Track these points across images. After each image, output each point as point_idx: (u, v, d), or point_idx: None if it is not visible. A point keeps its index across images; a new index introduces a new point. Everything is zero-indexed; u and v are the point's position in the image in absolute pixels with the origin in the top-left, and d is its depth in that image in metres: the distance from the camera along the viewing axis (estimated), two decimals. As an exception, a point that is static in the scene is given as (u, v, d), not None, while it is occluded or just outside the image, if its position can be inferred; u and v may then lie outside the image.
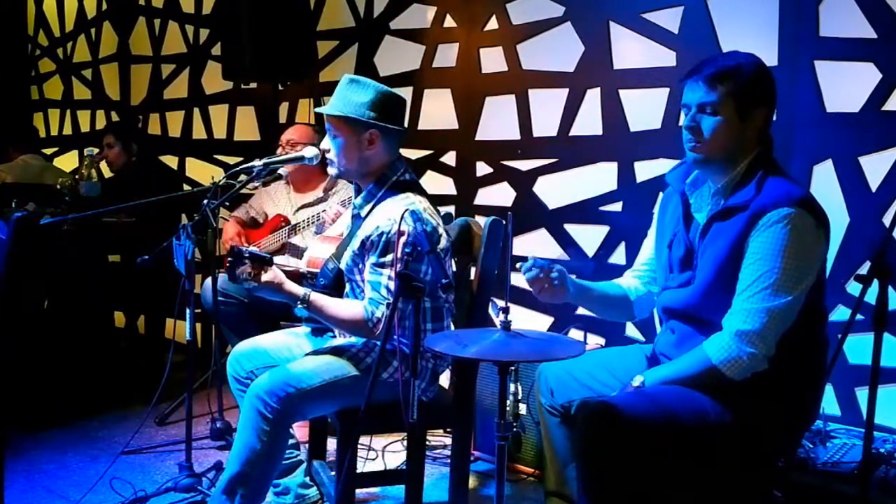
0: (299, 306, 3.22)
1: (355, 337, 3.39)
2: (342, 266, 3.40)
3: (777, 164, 2.83)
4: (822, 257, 2.73)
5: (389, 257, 3.16)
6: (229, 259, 3.11)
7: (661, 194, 3.20)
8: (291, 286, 3.21)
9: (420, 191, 3.42)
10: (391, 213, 3.20)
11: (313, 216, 4.80)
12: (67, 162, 8.42)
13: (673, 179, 3.03)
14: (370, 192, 3.39)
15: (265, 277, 3.14)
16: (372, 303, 3.20)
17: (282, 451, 3.34)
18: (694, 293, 2.81)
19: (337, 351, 3.36)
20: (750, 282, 2.64)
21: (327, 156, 3.41)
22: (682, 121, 2.83)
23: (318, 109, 3.42)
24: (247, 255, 3.11)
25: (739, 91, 2.70)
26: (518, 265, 2.91)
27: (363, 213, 3.39)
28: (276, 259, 3.32)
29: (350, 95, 3.30)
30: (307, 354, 3.43)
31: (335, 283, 3.45)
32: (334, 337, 3.56)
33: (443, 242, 3.28)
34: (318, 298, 3.26)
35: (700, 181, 2.92)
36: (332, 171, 3.43)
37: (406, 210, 3.14)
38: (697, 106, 2.74)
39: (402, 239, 3.11)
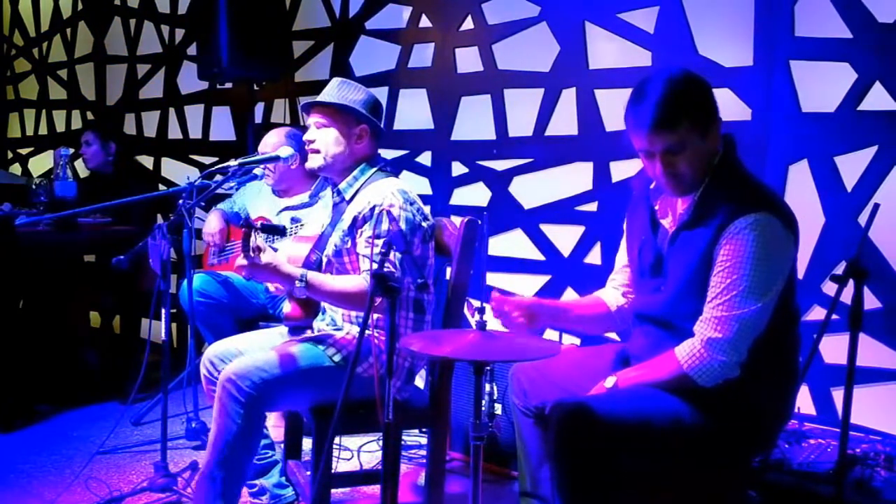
0: (298, 286, 3.23)
1: (353, 311, 3.41)
2: (328, 252, 3.43)
3: (740, 163, 2.79)
4: (791, 260, 2.70)
5: (384, 228, 3.20)
6: (244, 232, 3.12)
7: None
8: (289, 267, 3.24)
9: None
10: (382, 190, 3.31)
11: (299, 226, 4.77)
12: (43, 162, 8.39)
13: (637, 185, 3.03)
14: (355, 177, 3.45)
15: (264, 259, 3.15)
16: None
17: (257, 434, 3.29)
18: (665, 300, 2.80)
19: (313, 343, 3.36)
20: (720, 290, 2.62)
21: (311, 146, 3.43)
22: (649, 167, 2.75)
23: (313, 98, 3.45)
24: (258, 226, 3.16)
25: (695, 116, 2.64)
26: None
27: (347, 197, 3.45)
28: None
29: (345, 93, 3.44)
30: (282, 343, 3.43)
31: None
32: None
33: (425, 225, 3.36)
34: (316, 276, 3.30)
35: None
36: (313, 162, 3.45)
37: (396, 188, 3.32)
38: (664, 151, 2.66)
39: (394, 211, 3.21)
